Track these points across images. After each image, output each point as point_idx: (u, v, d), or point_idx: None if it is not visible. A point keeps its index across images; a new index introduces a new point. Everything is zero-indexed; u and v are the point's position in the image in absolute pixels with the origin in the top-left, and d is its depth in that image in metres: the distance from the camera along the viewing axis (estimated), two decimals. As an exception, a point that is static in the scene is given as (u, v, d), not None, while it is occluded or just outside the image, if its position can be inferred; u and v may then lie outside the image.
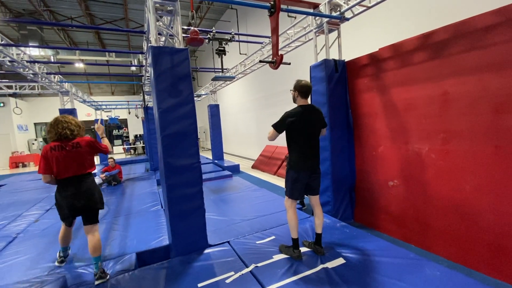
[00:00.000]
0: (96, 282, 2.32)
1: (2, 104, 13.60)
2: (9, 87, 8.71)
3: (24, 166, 14.03)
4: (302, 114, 2.46)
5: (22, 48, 5.70)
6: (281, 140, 9.28)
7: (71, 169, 2.38)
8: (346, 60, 3.74)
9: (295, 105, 2.59)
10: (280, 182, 6.65)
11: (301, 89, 2.54)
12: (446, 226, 2.67)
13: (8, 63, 5.27)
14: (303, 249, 2.69)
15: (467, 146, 2.48)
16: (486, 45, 2.30)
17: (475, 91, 2.39)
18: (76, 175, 2.41)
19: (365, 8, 3.55)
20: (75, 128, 2.46)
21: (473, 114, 2.42)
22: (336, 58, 3.72)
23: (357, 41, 5.31)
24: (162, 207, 4.48)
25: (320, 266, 2.37)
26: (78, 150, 2.41)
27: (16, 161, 13.95)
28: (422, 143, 2.87)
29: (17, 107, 11.30)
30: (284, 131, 2.52)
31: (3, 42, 4.73)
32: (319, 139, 2.61)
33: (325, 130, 2.75)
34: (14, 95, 14.04)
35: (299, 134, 2.48)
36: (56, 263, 2.69)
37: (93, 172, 2.57)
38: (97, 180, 7.29)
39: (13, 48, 5.18)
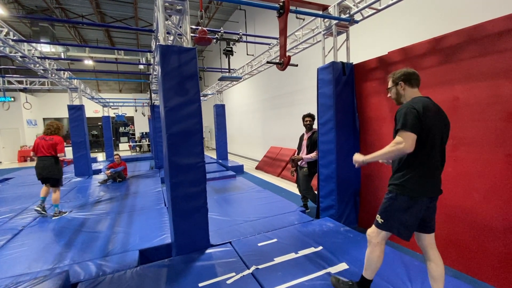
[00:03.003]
0: (54, 218, 4.02)
1: (12, 99, 13.86)
2: (20, 82, 8.85)
3: (32, 160, 14.25)
4: (430, 108, 1.66)
5: (34, 44, 5.80)
6: (286, 141, 9.16)
7: (43, 151, 4.09)
8: (354, 63, 3.70)
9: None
10: (284, 184, 6.62)
11: (410, 76, 1.81)
12: (452, 234, 2.61)
13: (20, 59, 5.37)
14: (305, 251, 2.66)
15: (476, 154, 2.43)
16: (499, 50, 2.25)
17: (487, 98, 2.34)
18: (45, 155, 4.09)
19: (375, 11, 3.51)
20: (53, 129, 4.29)
21: (484, 121, 2.37)
22: (344, 60, 3.69)
23: (365, 44, 5.26)
24: (165, 205, 4.50)
25: (323, 271, 2.34)
26: (50, 142, 4.15)
27: (24, 155, 14.22)
28: (430, 149, 2.82)
29: (27, 102, 11.49)
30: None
31: (15, 37, 4.81)
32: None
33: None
34: (24, 90, 14.33)
35: (425, 139, 1.64)
36: (36, 207, 4.13)
37: (61, 157, 4.25)
38: (102, 176, 7.37)
39: (25, 44, 5.26)
